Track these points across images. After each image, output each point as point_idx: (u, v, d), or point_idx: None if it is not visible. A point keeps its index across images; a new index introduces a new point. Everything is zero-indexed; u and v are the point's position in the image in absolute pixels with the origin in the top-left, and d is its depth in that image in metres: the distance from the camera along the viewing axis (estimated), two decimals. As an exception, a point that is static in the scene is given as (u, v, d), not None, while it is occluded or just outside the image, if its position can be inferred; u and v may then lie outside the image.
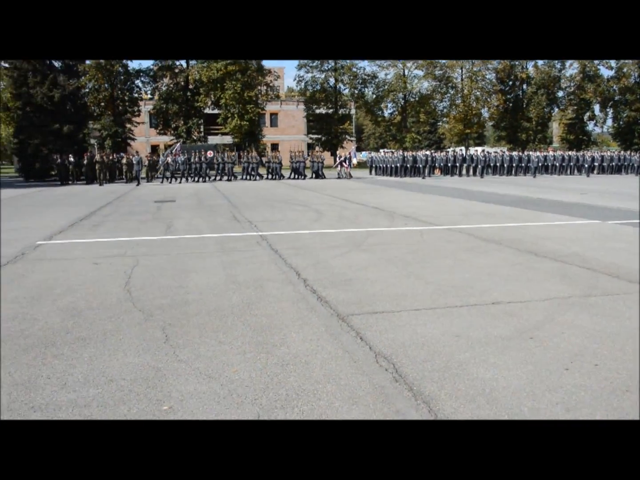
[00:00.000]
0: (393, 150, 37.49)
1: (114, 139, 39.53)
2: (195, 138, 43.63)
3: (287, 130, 58.02)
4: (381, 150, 38.38)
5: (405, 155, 30.31)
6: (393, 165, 30.41)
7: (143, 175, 28.25)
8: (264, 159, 29.79)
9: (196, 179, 27.88)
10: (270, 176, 28.63)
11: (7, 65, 33.21)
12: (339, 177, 28.96)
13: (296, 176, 28.55)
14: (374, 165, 33.31)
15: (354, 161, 31.16)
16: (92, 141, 39.90)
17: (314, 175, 28.73)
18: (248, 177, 28.60)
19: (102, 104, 40.02)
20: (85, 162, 27.77)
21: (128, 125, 40.62)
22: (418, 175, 29.62)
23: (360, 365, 3.56)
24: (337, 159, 30.49)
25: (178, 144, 30.85)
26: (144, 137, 53.83)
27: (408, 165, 29.69)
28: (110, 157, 28.84)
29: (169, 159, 27.51)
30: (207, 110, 45.33)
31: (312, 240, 8.05)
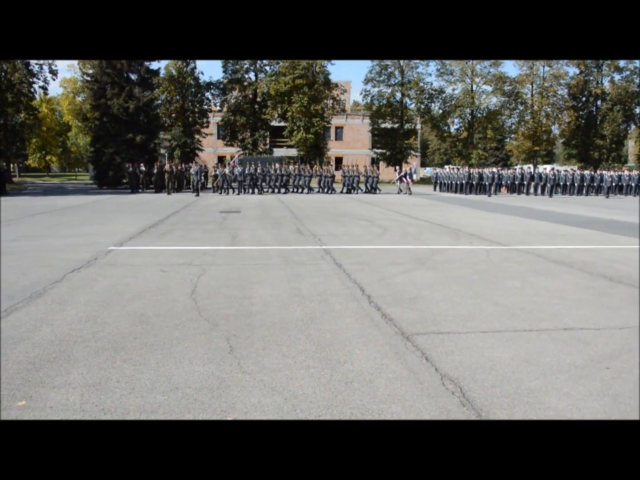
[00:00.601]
0: (458, 167, 36.88)
1: (182, 149, 40.64)
2: (260, 150, 44.33)
3: (352, 144, 58.63)
4: (446, 167, 37.86)
5: (471, 172, 29.85)
6: (458, 182, 30.02)
7: (210, 185, 28.84)
8: (317, 172, 29.82)
9: (250, 190, 27.83)
10: (323, 189, 28.67)
11: (88, 78, 34.76)
12: (399, 193, 28.76)
13: (349, 190, 28.57)
14: (438, 182, 32.95)
15: (415, 177, 30.92)
16: (162, 151, 41.31)
17: (367, 190, 28.67)
18: (325, 190, 28.53)
19: (173, 115, 41.41)
20: (155, 171, 28.62)
21: (197, 137, 41.46)
22: (484, 193, 29.12)
23: (426, 387, 3.49)
24: (397, 173, 30.30)
25: (236, 155, 31.33)
26: (212, 148, 55.26)
27: (474, 183, 29.25)
28: (179, 167, 29.57)
29: (227, 170, 27.85)
30: (274, 123, 46.01)
31: (376, 256, 7.99)
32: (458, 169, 31.94)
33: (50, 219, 13.61)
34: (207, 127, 43.09)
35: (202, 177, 27.85)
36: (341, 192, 28.56)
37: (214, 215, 14.85)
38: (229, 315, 4.93)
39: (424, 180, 48.82)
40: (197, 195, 25.20)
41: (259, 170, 28.25)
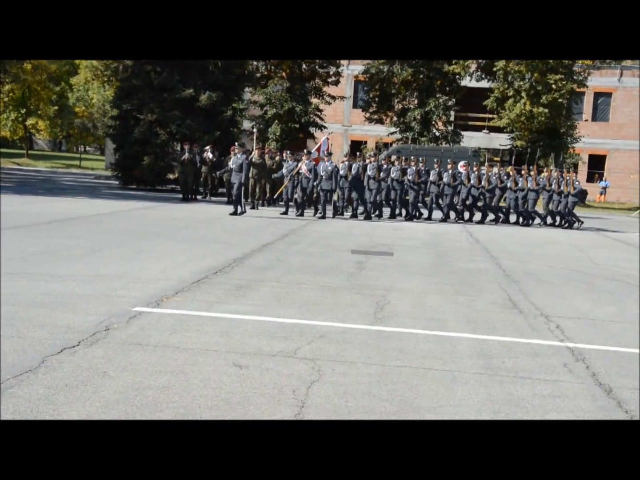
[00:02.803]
0: None
1: (286, 124, 28.77)
2: (438, 133, 30.63)
3: (627, 129, 32.10)
4: None
5: None
6: None
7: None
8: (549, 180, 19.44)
9: (398, 212, 19.66)
10: (553, 219, 20.11)
11: None
12: None
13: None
14: None
15: None
16: (248, 126, 28.86)
17: None
18: (558, 221, 19.98)
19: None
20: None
21: (315, 101, 28.98)
22: None
23: None
24: None
25: (324, 139, 20.39)
26: (341, 125, 40.95)
27: None
28: (276, 158, 20.34)
29: (304, 167, 18.20)
30: (467, 82, 28.30)
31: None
32: None
33: (32, 240, 9.94)
34: (337, 83, 27.36)
35: (307, 181, 18.07)
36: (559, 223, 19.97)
37: (341, 255, 10.68)
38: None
39: None
40: (300, 214, 18.10)
41: (431, 176, 19.35)
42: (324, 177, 17.93)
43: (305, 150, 20.33)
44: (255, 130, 22.10)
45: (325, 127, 33.27)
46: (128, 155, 25.93)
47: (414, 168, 19.30)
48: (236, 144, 19.10)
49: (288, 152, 19.94)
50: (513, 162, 23.95)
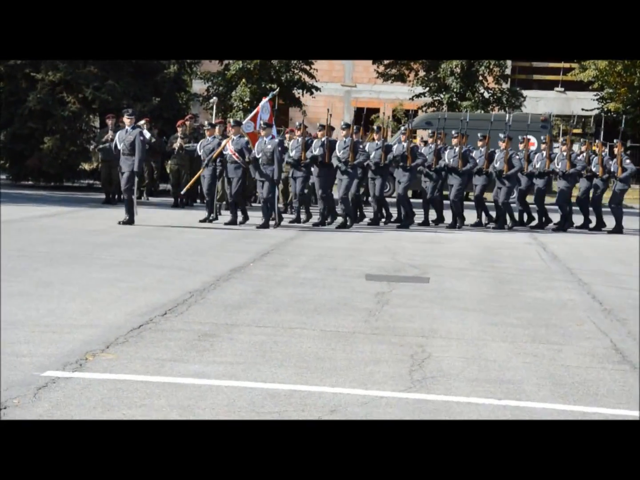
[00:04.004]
0: None
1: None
2: (488, 94, 34.74)
3: None
4: None
5: None
6: None
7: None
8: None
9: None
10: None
11: None
12: None
13: None
14: None
15: None
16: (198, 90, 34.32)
17: None
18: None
19: None
20: (176, 145, 20.78)
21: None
22: None
23: None
24: None
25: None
26: (339, 85, 44.98)
27: None
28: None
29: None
30: None
31: None
32: None
33: None
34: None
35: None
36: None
37: (351, 283, 10.84)
38: None
39: None
40: (206, 218, 18.19)
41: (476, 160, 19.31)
42: (260, 161, 17.32)
43: (230, 121, 19.79)
44: (213, 98, 22.10)
45: (317, 89, 33.43)
46: (19, 136, 25.90)
47: (456, 149, 19.32)
48: (205, 122, 18.96)
49: (205, 122, 19.88)
50: (602, 136, 23.83)
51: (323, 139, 18.23)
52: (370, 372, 6.64)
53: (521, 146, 20.40)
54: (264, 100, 19.77)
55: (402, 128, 20.93)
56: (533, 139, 21.80)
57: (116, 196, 21.73)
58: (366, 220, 19.48)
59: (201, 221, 17.76)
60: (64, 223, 16.73)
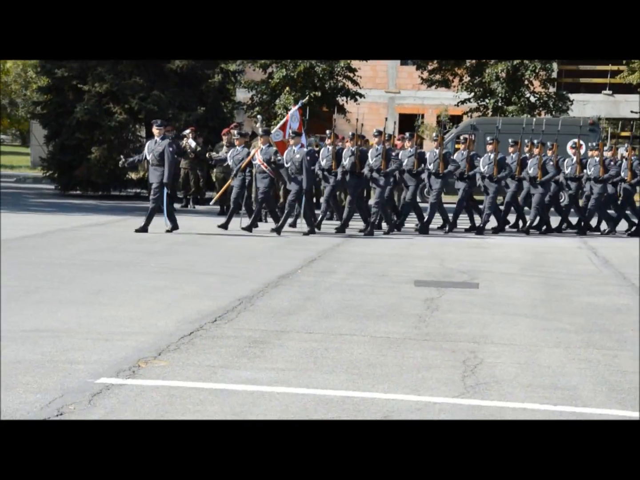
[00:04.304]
0: None
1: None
2: (534, 98, 34.12)
3: None
4: None
5: None
6: None
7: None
8: None
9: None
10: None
11: None
12: None
13: None
14: None
15: None
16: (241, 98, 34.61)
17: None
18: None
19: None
20: (222, 152, 19.74)
21: None
22: None
23: None
24: None
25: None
26: (383, 91, 44.29)
27: None
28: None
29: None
30: None
31: None
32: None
33: None
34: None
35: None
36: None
37: (400, 289, 10.82)
38: None
39: None
40: (247, 227, 17.48)
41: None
42: (289, 171, 17.29)
43: (260, 130, 18.94)
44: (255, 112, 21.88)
45: (361, 96, 33.40)
46: (67, 146, 26.18)
47: (491, 156, 19.11)
48: (235, 132, 18.87)
49: (235, 131, 19.51)
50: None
51: (353, 148, 18.03)
52: (422, 378, 6.62)
53: (572, 151, 20.15)
54: (294, 108, 19.74)
55: (434, 134, 20.74)
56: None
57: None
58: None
59: (219, 226, 17.54)
60: (113, 231, 16.89)
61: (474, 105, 35.78)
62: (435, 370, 6.85)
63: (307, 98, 21.75)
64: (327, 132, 19.25)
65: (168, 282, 10.78)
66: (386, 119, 19.91)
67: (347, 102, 33.96)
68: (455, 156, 19.47)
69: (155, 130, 16.90)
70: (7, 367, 6.36)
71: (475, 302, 10.12)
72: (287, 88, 32.98)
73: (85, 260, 12.51)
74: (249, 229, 17.22)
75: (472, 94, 35.60)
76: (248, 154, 17.56)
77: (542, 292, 11.15)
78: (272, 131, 18.67)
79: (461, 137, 20.95)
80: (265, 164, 17.08)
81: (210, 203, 20.70)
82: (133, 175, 26.98)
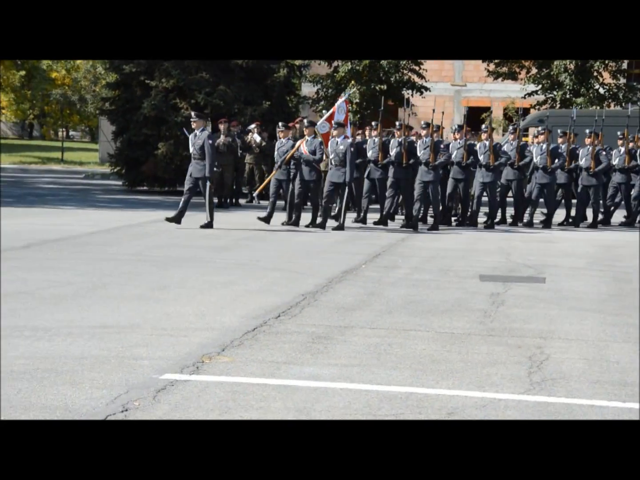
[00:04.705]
0: None
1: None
2: (603, 90, 34.05)
3: None
4: None
5: None
6: None
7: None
8: None
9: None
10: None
11: None
12: None
13: None
14: None
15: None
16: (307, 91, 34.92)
17: None
18: None
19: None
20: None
21: None
22: None
23: None
24: None
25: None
26: (449, 84, 44.29)
27: None
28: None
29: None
30: None
31: None
32: None
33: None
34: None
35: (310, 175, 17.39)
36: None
37: (465, 284, 10.86)
38: None
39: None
40: (293, 221, 17.69)
41: (582, 160, 19.20)
42: (333, 162, 17.18)
43: (308, 121, 18.74)
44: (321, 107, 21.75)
45: (426, 89, 33.19)
46: (134, 142, 26.57)
47: (563, 147, 19.01)
48: (280, 124, 18.80)
49: (280, 123, 19.18)
50: None
51: (400, 139, 17.86)
52: (487, 374, 6.55)
53: (620, 142, 19.87)
54: (340, 100, 19.46)
55: (511, 127, 20.53)
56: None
57: (227, 200, 22.06)
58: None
59: (260, 219, 17.45)
60: (178, 227, 17.01)
61: (541, 97, 35.36)
62: (501, 366, 6.78)
63: (353, 90, 21.48)
64: (397, 124, 19.12)
65: (232, 277, 10.83)
66: (442, 112, 19.55)
67: (412, 95, 33.82)
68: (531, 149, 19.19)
69: (193, 122, 16.87)
70: (74, 363, 6.46)
71: (541, 297, 10.00)
72: (353, 82, 32.97)
73: (150, 256, 12.64)
74: (320, 225, 17.21)
75: (540, 86, 35.19)
76: (293, 146, 17.52)
77: (610, 287, 10.99)
78: (318, 123, 18.47)
79: (529, 130, 20.71)
80: (309, 154, 17.05)
81: (254, 195, 20.58)
82: (199, 171, 27.13)
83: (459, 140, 18.42)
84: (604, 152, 19.09)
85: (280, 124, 19.04)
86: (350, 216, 18.60)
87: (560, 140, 19.36)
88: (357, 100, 32.77)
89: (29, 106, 55.04)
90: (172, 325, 7.92)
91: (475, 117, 36.76)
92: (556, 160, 18.63)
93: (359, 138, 19.12)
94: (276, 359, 6.83)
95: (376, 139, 18.30)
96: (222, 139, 21.44)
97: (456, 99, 43.42)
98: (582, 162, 18.86)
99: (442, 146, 17.86)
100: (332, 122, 17.91)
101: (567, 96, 33.59)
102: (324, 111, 22.73)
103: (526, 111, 33.79)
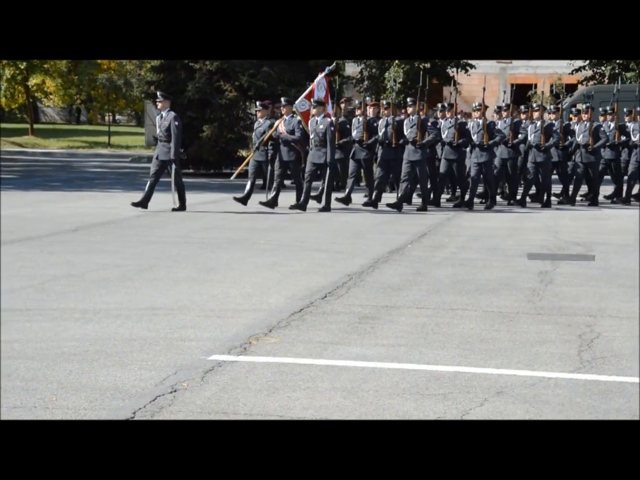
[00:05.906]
0: None
1: None
2: None
3: None
4: None
5: None
6: None
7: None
8: None
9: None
10: None
11: None
12: None
13: None
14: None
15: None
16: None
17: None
18: None
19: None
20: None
21: None
22: None
23: None
24: None
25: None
26: (494, 62, 43.27)
27: None
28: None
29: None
30: None
31: None
32: None
33: (47, 258, 10.51)
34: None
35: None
36: None
37: (512, 263, 10.82)
38: None
39: None
40: (268, 202, 17.19)
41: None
42: (313, 142, 16.67)
43: (285, 99, 18.12)
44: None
45: (472, 67, 32.89)
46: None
47: (587, 124, 18.74)
48: (257, 103, 18.33)
49: (257, 103, 18.74)
50: None
51: (388, 118, 17.39)
52: (536, 352, 6.49)
53: None
54: (320, 76, 18.51)
55: (552, 107, 20.21)
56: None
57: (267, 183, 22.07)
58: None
59: (236, 199, 16.99)
60: (224, 209, 17.07)
61: (589, 73, 34.85)
62: (550, 345, 6.71)
63: (333, 64, 21.10)
64: (439, 105, 18.89)
65: (278, 259, 10.86)
66: (484, 89, 19.36)
67: (457, 73, 33.54)
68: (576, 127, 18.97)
69: (158, 103, 16.38)
70: (123, 345, 6.52)
71: (591, 275, 9.89)
72: (396, 61, 32.76)
73: (197, 238, 12.72)
74: (300, 206, 16.78)
75: (587, 61, 34.69)
76: (270, 126, 17.07)
77: (661, 264, 10.81)
78: (297, 101, 17.92)
79: (574, 108, 20.51)
80: (288, 134, 16.66)
81: (232, 177, 20.41)
82: (244, 153, 27.24)
83: (505, 119, 18.23)
84: (602, 128, 18.87)
85: (257, 103, 18.59)
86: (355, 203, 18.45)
87: (601, 118, 19.10)
88: (401, 80, 32.54)
89: (76, 91, 55.63)
90: (220, 307, 7.96)
91: (521, 94, 36.30)
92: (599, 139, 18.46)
93: (402, 117, 18.79)
94: (323, 339, 6.83)
95: (360, 118, 17.76)
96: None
97: (502, 77, 42.98)
98: (579, 138, 18.63)
99: (429, 124, 17.44)
100: (312, 100, 17.31)
101: (617, 71, 33.07)
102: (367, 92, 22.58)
103: (572, 88, 33.35)
